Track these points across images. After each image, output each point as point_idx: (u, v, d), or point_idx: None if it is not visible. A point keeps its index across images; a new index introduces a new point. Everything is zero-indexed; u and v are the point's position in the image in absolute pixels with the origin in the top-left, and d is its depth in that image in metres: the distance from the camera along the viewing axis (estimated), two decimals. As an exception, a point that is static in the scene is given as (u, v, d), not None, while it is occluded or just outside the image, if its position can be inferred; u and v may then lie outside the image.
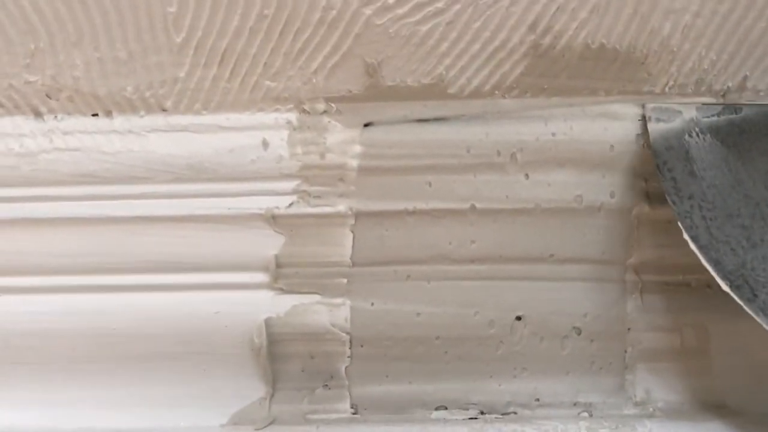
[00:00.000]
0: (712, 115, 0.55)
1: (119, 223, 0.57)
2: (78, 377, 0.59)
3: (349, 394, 0.59)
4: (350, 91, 0.55)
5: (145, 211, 0.57)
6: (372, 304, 0.58)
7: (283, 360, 0.59)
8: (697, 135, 0.55)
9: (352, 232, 0.57)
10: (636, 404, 0.59)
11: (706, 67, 0.55)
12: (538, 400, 0.59)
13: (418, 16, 0.53)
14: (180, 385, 0.59)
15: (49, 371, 0.59)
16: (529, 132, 0.56)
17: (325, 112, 0.56)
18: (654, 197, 0.56)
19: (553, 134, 0.56)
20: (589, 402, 0.59)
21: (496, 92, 0.55)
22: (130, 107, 0.56)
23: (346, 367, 0.58)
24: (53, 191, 0.57)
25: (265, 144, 0.56)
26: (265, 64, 0.55)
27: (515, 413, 0.59)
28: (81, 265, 0.58)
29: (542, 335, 0.58)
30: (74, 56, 0.54)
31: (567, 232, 0.57)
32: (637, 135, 0.56)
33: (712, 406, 0.59)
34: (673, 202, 0.53)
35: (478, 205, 0.57)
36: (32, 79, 0.55)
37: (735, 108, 0.55)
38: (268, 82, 0.55)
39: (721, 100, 0.55)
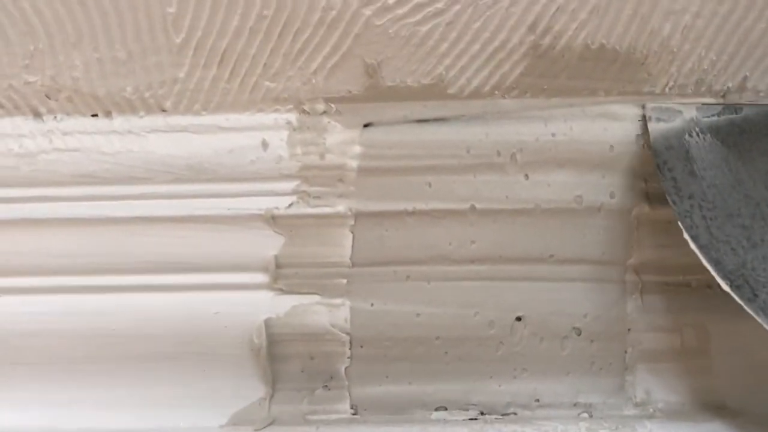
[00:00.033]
0: (713, 115, 0.55)
1: (119, 224, 0.57)
2: (78, 377, 0.59)
3: (349, 395, 0.59)
4: (350, 92, 0.55)
5: (144, 211, 0.57)
6: (372, 304, 0.58)
7: (282, 360, 0.59)
8: (698, 135, 0.55)
9: (352, 232, 0.57)
10: (636, 405, 0.59)
11: (706, 67, 0.54)
12: (538, 400, 0.59)
13: (418, 17, 0.53)
14: (180, 385, 0.59)
15: (49, 371, 0.59)
16: (528, 132, 0.56)
17: (324, 112, 0.56)
18: (654, 198, 0.56)
19: (553, 135, 0.56)
20: (589, 402, 0.59)
21: (496, 92, 0.55)
22: (129, 108, 0.56)
23: (345, 368, 0.58)
24: (53, 192, 0.57)
25: (264, 144, 0.56)
26: (265, 64, 0.55)
27: (515, 414, 0.59)
28: (81, 265, 0.58)
29: (542, 336, 0.58)
30: (73, 57, 0.54)
31: (567, 232, 0.57)
32: (637, 135, 0.56)
33: (713, 407, 0.59)
34: (674, 202, 0.53)
35: (477, 206, 0.57)
36: (32, 79, 0.55)
37: (735, 108, 0.55)
38: (267, 83, 0.55)
39: (721, 101, 0.55)
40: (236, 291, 0.58)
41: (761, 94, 0.55)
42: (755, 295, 0.51)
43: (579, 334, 0.58)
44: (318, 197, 0.57)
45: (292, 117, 0.56)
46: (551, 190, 0.57)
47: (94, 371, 0.59)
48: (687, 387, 0.59)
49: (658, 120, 0.55)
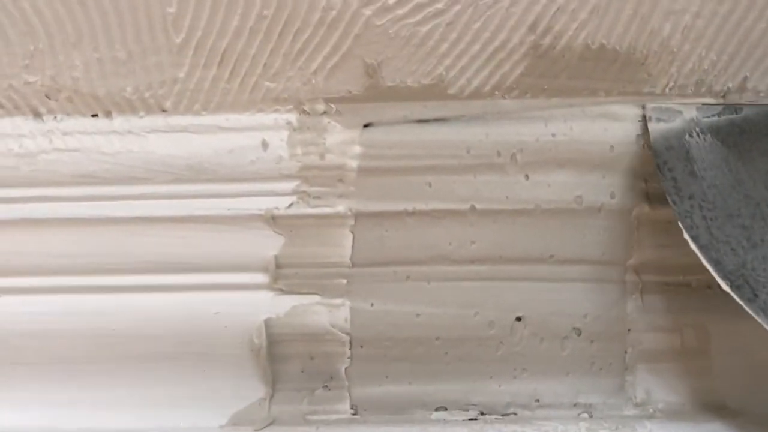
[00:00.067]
0: (713, 115, 0.55)
1: (119, 224, 0.57)
2: (78, 377, 0.59)
3: (349, 395, 0.59)
4: (350, 92, 0.55)
5: (144, 211, 0.57)
6: (372, 304, 0.58)
7: (282, 360, 0.59)
8: (698, 135, 0.55)
9: (352, 232, 0.57)
10: (636, 405, 0.59)
11: (706, 67, 0.54)
12: (538, 400, 0.59)
13: (418, 17, 0.53)
14: (180, 385, 0.59)
15: (49, 371, 0.59)
16: (529, 133, 0.56)
17: (324, 112, 0.56)
18: (654, 198, 0.56)
19: (553, 135, 0.56)
20: (589, 403, 0.59)
21: (496, 93, 0.55)
22: (129, 108, 0.56)
23: (345, 368, 0.58)
24: (53, 192, 0.57)
25: (264, 145, 0.56)
26: (265, 64, 0.54)
27: (515, 414, 0.59)
28: (81, 265, 0.58)
29: (542, 336, 0.58)
30: (73, 57, 0.54)
31: (567, 232, 0.57)
32: (637, 136, 0.56)
33: (713, 407, 0.59)
34: (674, 202, 0.53)
35: (478, 206, 0.57)
36: (32, 79, 0.55)
37: (735, 108, 0.55)
38: (267, 83, 0.55)
39: (722, 101, 0.55)
40: (236, 291, 0.58)
41: (761, 94, 0.55)
42: (755, 296, 0.51)
43: (579, 335, 0.58)
44: (318, 197, 0.57)
45: (292, 117, 0.56)
46: (551, 190, 0.57)
47: (94, 371, 0.59)
48: (687, 387, 0.59)
49: (659, 120, 0.55)
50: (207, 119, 0.56)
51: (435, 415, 0.59)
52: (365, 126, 0.56)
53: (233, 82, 0.55)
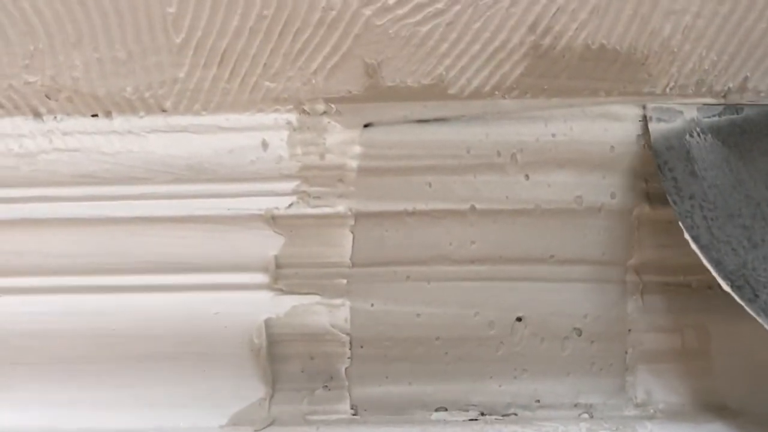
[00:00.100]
0: (713, 116, 0.55)
1: (119, 224, 0.57)
2: (78, 377, 0.59)
3: (349, 395, 0.59)
4: (350, 92, 0.55)
5: (144, 211, 0.57)
6: (372, 304, 0.58)
7: (282, 361, 0.59)
8: (698, 135, 0.55)
9: (352, 232, 0.57)
10: (637, 405, 0.59)
11: (706, 68, 0.54)
12: (538, 401, 0.59)
13: (418, 17, 0.53)
14: (180, 385, 0.59)
15: (49, 371, 0.59)
16: (529, 133, 0.56)
17: (324, 112, 0.56)
18: (654, 198, 0.56)
19: (554, 135, 0.56)
20: (590, 403, 0.59)
21: (496, 93, 0.55)
22: (129, 108, 0.56)
23: (345, 368, 0.58)
24: (53, 192, 0.57)
25: (264, 145, 0.56)
26: (265, 64, 0.54)
27: (515, 414, 0.59)
28: (81, 265, 0.58)
29: (543, 336, 0.58)
30: (73, 57, 0.54)
31: (567, 232, 0.57)
32: (638, 136, 0.56)
33: (713, 407, 0.59)
34: (674, 202, 0.53)
35: (478, 206, 0.57)
36: (32, 79, 0.55)
37: (736, 108, 0.55)
38: (267, 83, 0.55)
39: (722, 101, 0.55)
40: (236, 291, 0.58)
41: (762, 94, 0.55)
42: (756, 296, 0.51)
43: (579, 335, 0.58)
44: (318, 197, 0.57)
45: (292, 117, 0.56)
46: (551, 190, 0.56)
47: (94, 371, 0.59)
48: (688, 387, 0.59)
49: (659, 120, 0.55)
50: (207, 119, 0.56)
51: (435, 415, 0.59)
52: (365, 126, 0.56)
53: (233, 82, 0.55)
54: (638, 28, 0.53)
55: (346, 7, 0.52)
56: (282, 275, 0.58)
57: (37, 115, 0.56)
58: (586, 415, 0.59)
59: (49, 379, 0.59)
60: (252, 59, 0.54)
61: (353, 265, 0.57)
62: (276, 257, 0.57)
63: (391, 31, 0.53)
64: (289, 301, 0.58)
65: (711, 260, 0.52)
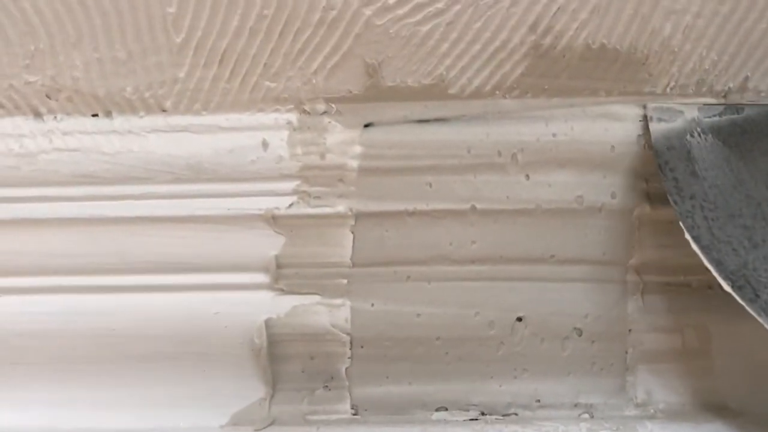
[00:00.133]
0: (714, 115, 0.55)
1: (119, 224, 0.57)
2: (78, 377, 0.59)
3: (350, 395, 0.59)
4: (350, 92, 0.55)
5: (144, 211, 0.57)
6: (372, 304, 0.58)
7: (283, 361, 0.59)
8: (699, 135, 0.55)
9: (352, 232, 0.57)
10: (637, 405, 0.59)
11: (707, 67, 0.54)
12: (538, 401, 0.59)
13: (419, 17, 0.53)
14: (180, 385, 0.59)
15: (49, 371, 0.59)
16: (529, 132, 0.56)
17: (325, 112, 0.56)
18: (655, 198, 0.56)
19: (554, 135, 0.56)
20: (590, 403, 0.59)
21: (497, 93, 0.55)
22: (129, 108, 0.56)
23: (346, 368, 0.58)
24: (53, 191, 0.57)
25: (264, 144, 0.56)
26: (265, 64, 0.54)
27: (516, 414, 0.59)
28: (81, 265, 0.58)
29: (543, 336, 0.58)
30: (74, 57, 0.54)
31: (568, 232, 0.57)
32: (638, 136, 0.56)
33: (714, 407, 0.59)
34: (675, 202, 0.53)
35: (478, 206, 0.57)
36: (32, 79, 0.55)
37: (737, 108, 0.55)
38: (267, 83, 0.55)
39: (723, 101, 0.55)
40: (237, 291, 0.58)
41: (762, 94, 0.55)
42: (757, 296, 0.51)
43: (580, 335, 0.58)
44: (318, 197, 0.57)
45: (293, 117, 0.56)
46: (552, 190, 0.56)
47: (94, 371, 0.59)
48: (688, 387, 0.59)
49: (660, 120, 0.55)
50: (207, 119, 0.56)
51: (435, 415, 0.59)
52: (366, 126, 0.56)
53: (233, 81, 0.55)
54: (639, 27, 0.53)
55: (347, 7, 0.52)
56: (282, 275, 0.58)
57: (37, 114, 0.56)
58: (586, 415, 0.59)
59: (49, 379, 0.59)
60: (252, 59, 0.54)
61: (354, 265, 0.57)
62: (276, 257, 0.57)
63: (391, 31, 0.53)
64: (289, 301, 0.58)
65: (712, 260, 0.51)
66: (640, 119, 0.56)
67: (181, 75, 0.55)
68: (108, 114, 0.56)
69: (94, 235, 0.57)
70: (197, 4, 0.53)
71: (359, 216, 0.57)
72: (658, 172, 0.54)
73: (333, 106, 0.56)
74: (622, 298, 0.58)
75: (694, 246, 0.52)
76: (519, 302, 0.58)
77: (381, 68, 0.54)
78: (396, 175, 0.56)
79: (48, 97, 0.56)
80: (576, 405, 0.59)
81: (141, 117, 0.56)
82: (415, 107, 0.56)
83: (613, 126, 0.56)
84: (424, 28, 0.53)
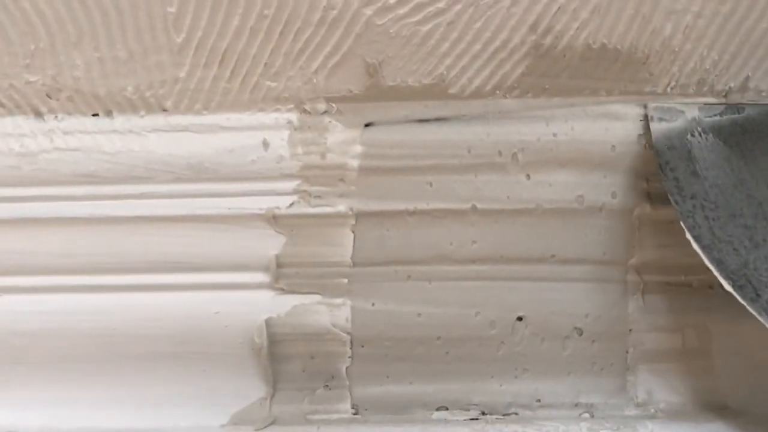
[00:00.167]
0: (715, 115, 0.55)
1: (119, 223, 0.57)
2: (78, 377, 0.59)
3: (350, 395, 0.59)
4: (351, 91, 0.55)
5: (145, 211, 0.57)
6: (373, 304, 0.58)
7: (283, 360, 0.58)
8: (700, 135, 0.55)
9: (353, 232, 0.57)
10: (637, 405, 0.59)
11: (707, 67, 0.54)
12: (539, 400, 0.59)
13: (419, 17, 0.53)
14: (180, 385, 0.59)
15: (49, 371, 0.59)
16: (530, 132, 0.56)
17: (325, 112, 0.56)
18: (655, 197, 0.56)
19: (555, 134, 0.56)
20: (591, 403, 0.59)
21: (498, 92, 0.55)
22: (130, 107, 0.56)
23: (346, 368, 0.58)
24: (53, 191, 0.57)
25: (265, 144, 0.56)
26: (266, 64, 0.54)
27: (516, 414, 0.59)
28: (81, 265, 0.58)
29: (543, 336, 0.58)
30: (74, 56, 0.54)
31: (568, 232, 0.57)
32: (639, 135, 0.56)
33: (714, 407, 0.59)
34: (676, 202, 0.53)
35: (479, 206, 0.57)
36: (33, 79, 0.55)
37: (737, 108, 0.55)
38: (268, 82, 0.55)
39: (723, 101, 0.55)
40: (237, 290, 0.58)
41: (763, 93, 0.55)
42: (758, 295, 0.51)
43: (580, 335, 0.58)
44: (319, 197, 0.57)
45: (293, 116, 0.56)
46: (553, 190, 0.56)
47: (94, 371, 0.59)
48: (688, 387, 0.59)
49: (660, 120, 0.55)
50: (208, 119, 0.56)
51: (436, 414, 0.59)
52: (366, 125, 0.56)
53: (234, 81, 0.55)
54: (639, 27, 0.53)
55: (347, 7, 0.52)
56: (283, 275, 0.57)
57: (38, 114, 0.56)
58: (587, 415, 0.59)
59: (49, 379, 0.59)
60: (253, 59, 0.54)
61: (354, 264, 0.57)
62: (277, 257, 0.57)
63: (392, 31, 0.53)
64: (290, 301, 0.58)
65: (712, 260, 0.51)
66: (641, 119, 0.56)
67: (182, 74, 0.55)
68: (109, 113, 0.56)
69: (95, 234, 0.57)
70: (198, 3, 0.53)
71: (360, 215, 0.57)
72: (658, 172, 0.54)
73: (333, 105, 0.56)
74: (622, 298, 0.58)
75: (695, 246, 0.52)
76: (519, 302, 0.58)
77: (381, 68, 0.54)
78: (396, 174, 0.56)
79: (49, 96, 0.56)
80: (576, 405, 0.59)
81: (142, 116, 0.56)
82: (416, 107, 0.56)
83: (613, 126, 0.56)
84: (425, 28, 0.53)
